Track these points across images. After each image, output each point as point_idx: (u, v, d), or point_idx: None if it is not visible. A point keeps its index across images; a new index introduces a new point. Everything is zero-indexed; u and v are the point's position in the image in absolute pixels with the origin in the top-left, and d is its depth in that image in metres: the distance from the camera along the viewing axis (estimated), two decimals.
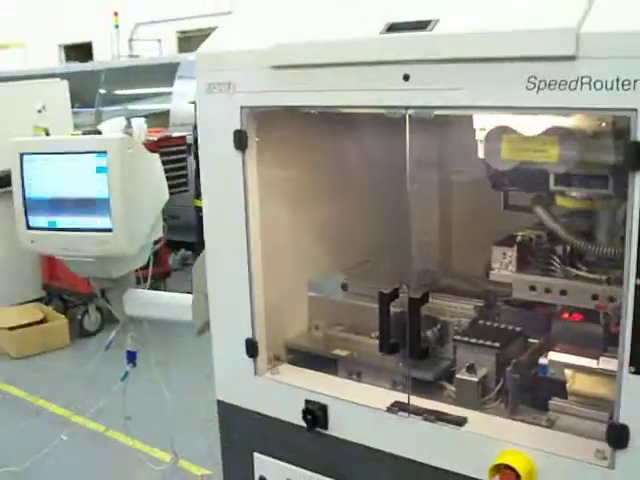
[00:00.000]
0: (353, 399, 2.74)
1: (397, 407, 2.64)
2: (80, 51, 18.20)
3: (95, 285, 3.52)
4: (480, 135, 2.52)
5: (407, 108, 2.38)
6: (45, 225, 3.28)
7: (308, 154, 3.09)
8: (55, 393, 6.03)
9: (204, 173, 2.95)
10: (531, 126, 2.36)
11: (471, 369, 2.84)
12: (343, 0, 2.70)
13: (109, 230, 3.17)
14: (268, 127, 2.85)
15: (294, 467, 2.96)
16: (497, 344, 2.84)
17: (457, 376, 2.83)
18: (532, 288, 2.86)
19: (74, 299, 7.79)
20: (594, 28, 2.02)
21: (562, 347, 2.70)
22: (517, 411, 2.71)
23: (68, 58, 19.22)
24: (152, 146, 6.85)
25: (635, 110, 1.97)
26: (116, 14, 16.92)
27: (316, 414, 2.78)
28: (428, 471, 2.58)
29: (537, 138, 2.35)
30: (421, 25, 2.30)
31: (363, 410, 2.70)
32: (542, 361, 2.71)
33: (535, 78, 2.09)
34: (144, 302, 3.48)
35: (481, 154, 2.56)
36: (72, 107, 8.84)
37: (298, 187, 3.14)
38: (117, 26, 16.68)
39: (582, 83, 2.03)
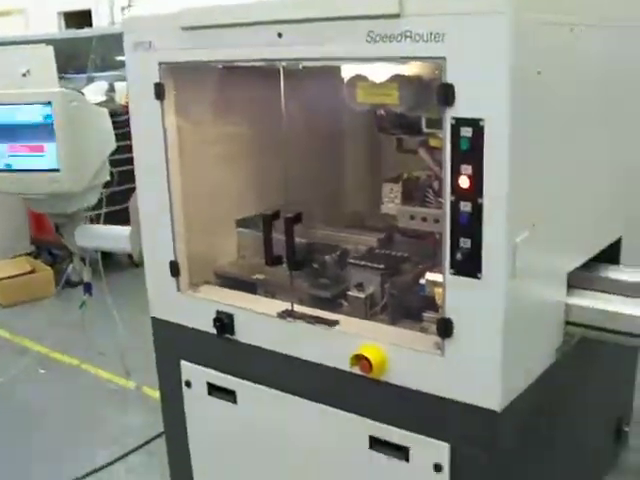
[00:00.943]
0: (254, 309, 3.25)
1: (285, 313, 3.14)
2: (80, 18, 18.58)
3: (51, 220, 4.04)
4: None
5: (281, 61, 2.87)
6: (2, 167, 3.80)
7: (225, 106, 3.56)
8: (39, 336, 6.50)
9: (133, 121, 3.44)
10: (379, 74, 2.84)
11: (360, 287, 3.34)
12: None
13: (57, 170, 3.68)
14: (187, 81, 3.32)
15: (212, 370, 3.48)
16: (382, 266, 3.34)
17: (349, 293, 3.34)
18: (412, 217, 3.34)
19: (62, 252, 8.24)
20: None
21: (440, 269, 3.16)
22: (396, 322, 3.21)
23: (68, 25, 19.63)
24: None
25: (444, 58, 2.44)
26: None
27: (224, 322, 3.29)
28: (309, 366, 3.09)
29: (383, 84, 2.84)
30: None
31: (260, 317, 3.21)
32: (421, 281, 3.16)
33: (373, 33, 2.57)
34: (92, 235, 4.00)
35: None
36: (66, 73, 9.26)
37: (221, 136, 3.62)
38: None
39: (405, 36, 2.50)
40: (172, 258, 3.42)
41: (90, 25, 17.95)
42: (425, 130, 3.07)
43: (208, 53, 3.06)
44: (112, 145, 3.94)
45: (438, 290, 2.99)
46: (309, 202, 3.60)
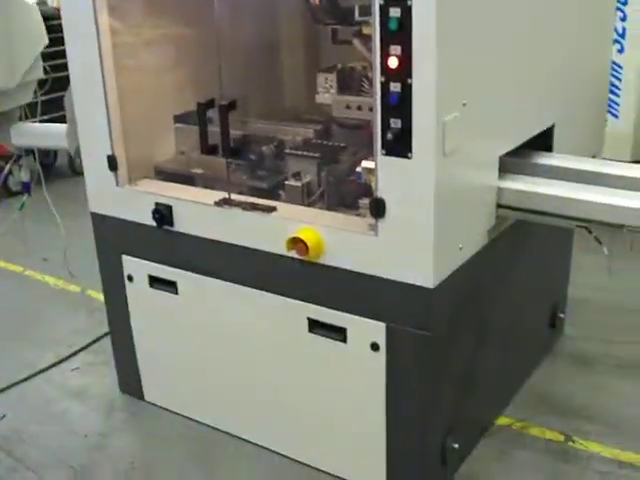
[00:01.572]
0: (191, 199, 3.28)
1: (222, 202, 3.18)
2: None
3: None
4: None
5: None
6: None
7: (160, 5, 3.52)
8: None
9: (65, 19, 3.39)
10: None
11: (297, 176, 3.38)
12: None
13: None
14: None
15: (153, 263, 3.52)
16: (318, 155, 3.38)
17: (286, 182, 3.38)
18: (348, 107, 3.37)
19: (1, 162, 8.11)
20: None
21: None
22: (334, 210, 3.25)
23: None
24: None
25: None
26: None
27: (163, 213, 3.32)
28: (247, 252, 3.16)
29: None
30: None
31: (198, 207, 3.25)
32: (357, 169, 3.20)
33: None
34: (28, 133, 3.97)
35: None
36: None
37: (157, 33, 3.59)
38: None
39: None
40: (109, 152, 3.43)
41: None
42: (358, 18, 3.08)
43: None
44: (44, 40, 3.90)
45: (373, 177, 3.07)
46: (246, 95, 3.62)
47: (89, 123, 3.49)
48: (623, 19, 6.31)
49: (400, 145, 2.59)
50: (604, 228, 3.12)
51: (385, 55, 2.52)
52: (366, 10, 2.97)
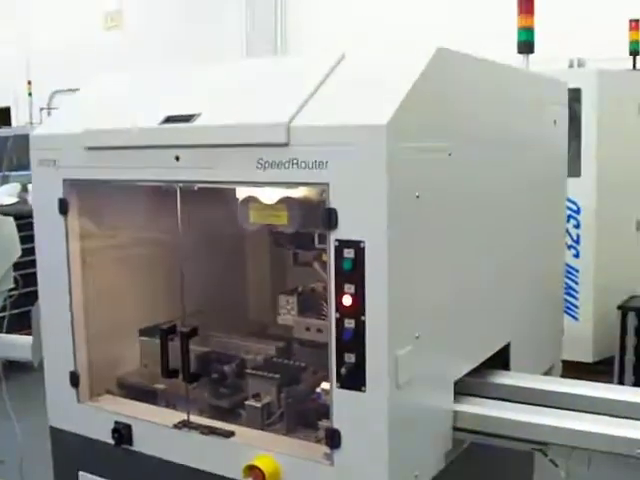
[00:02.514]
0: (151, 419, 3.31)
1: (181, 424, 3.21)
2: (1, 116, 18.59)
3: None
4: None
5: (178, 182, 3.02)
6: None
7: (127, 220, 3.67)
8: None
9: (37, 233, 3.53)
10: (270, 196, 3.01)
11: (257, 397, 3.43)
12: (138, 97, 3.33)
13: None
14: (90, 196, 3.44)
15: None
16: (277, 375, 3.44)
17: (246, 403, 3.42)
18: (307, 329, 3.48)
19: None
20: (300, 123, 2.68)
21: None
22: (294, 430, 3.30)
23: None
24: None
25: (327, 184, 2.62)
26: (29, 83, 17.51)
27: (122, 432, 3.33)
28: (206, 477, 3.14)
29: (273, 206, 3.01)
30: (187, 118, 2.94)
31: (158, 428, 3.27)
32: (317, 390, 3.27)
33: (262, 159, 2.74)
34: None
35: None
36: None
37: (124, 249, 3.73)
38: (30, 94, 17.22)
39: (292, 163, 2.68)
40: (72, 368, 3.47)
41: (9, 123, 17.98)
42: (317, 245, 3.23)
43: (110, 172, 3.19)
44: (17, 252, 4.01)
45: None
46: (211, 311, 3.72)
47: (54, 337, 3.55)
48: (577, 226, 6.59)
49: (354, 379, 2.67)
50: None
51: (339, 293, 2.64)
52: (325, 238, 3.15)
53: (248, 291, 4.34)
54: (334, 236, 2.63)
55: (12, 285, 4.02)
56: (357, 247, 2.59)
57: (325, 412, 3.09)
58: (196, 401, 3.44)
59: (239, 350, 3.79)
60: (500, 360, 3.61)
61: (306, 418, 3.33)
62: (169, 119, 3.01)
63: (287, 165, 2.69)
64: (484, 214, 3.31)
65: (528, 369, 3.71)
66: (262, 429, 3.30)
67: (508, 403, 3.32)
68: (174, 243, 3.38)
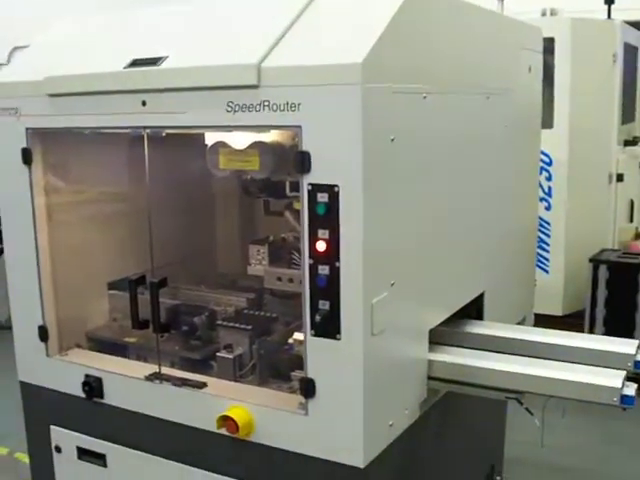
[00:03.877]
0: (122, 372, 3.25)
1: (153, 376, 3.15)
2: None
3: None
4: None
5: (145, 128, 2.93)
6: None
7: (92, 170, 3.58)
8: None
9: (1, 185, 3.42)
10: (240, 141, 2.93)
11: (229, 348, 3.38)
12: (101, 41, 3.22)
13: None
14: (54, 146, 3.34)
15: (82, 435, 3.44)
16: (249, 327, 3.39)
17: (217, 354, 3.36)
18: (279, 279, 3.41)
19: None
20: (271, 64, 2.59)
21: None
22: (266, 382, 3.26)
23: None
24: None
25: (300, 127, 2.54)
26: None
27: (92, 385, 3.28)
28: (177, 428, 3.10)
29: (244, 151, 2.93)
30: (153, 61, 2.85)
31: (129, 380, 3.21)
32: (290, 340, 3.23)
33: (232, 103, 2.65)
34: None
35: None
36: None
37: (90, 200, 3.64)
38: None
39: (264, 106, 2.59)
40: (40, 323, 3.40)
41: None
42: (289, 194, 3.16)
43: (74, 120, 3.09)
44: None
45: None
46: (179, 263, 3.65)
47: (20, 292, 3.47)
48: (549, 179, 6.57)
49: (329, 326, 2.62)
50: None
51: (313, 238, 2.58)
52: (296, 186, 3.07)
53: (217, 242, 4.28)
54: (307, 180, 2.56)
55: None
56: (331, 191, 2.52)
57: (298, 363, 3.07)
58: (167, 354, 3.39)
59: (209, 302, 3.73)
60: (474, 310, 3.58)
61: (278, 369, 3.29)
62: (135, 62, 2.91)
63: (258, 108, 2.61)
64: (457, 161, 3.25)
65: (501, 320, 3.69)
66: (234, 381, 3.25)
67: (483, 352, 3.30)
68: (142, 194, 3.30)
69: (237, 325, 3.40)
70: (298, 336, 3.09)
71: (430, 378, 3.18)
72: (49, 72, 3.13)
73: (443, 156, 3.08)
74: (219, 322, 3.48)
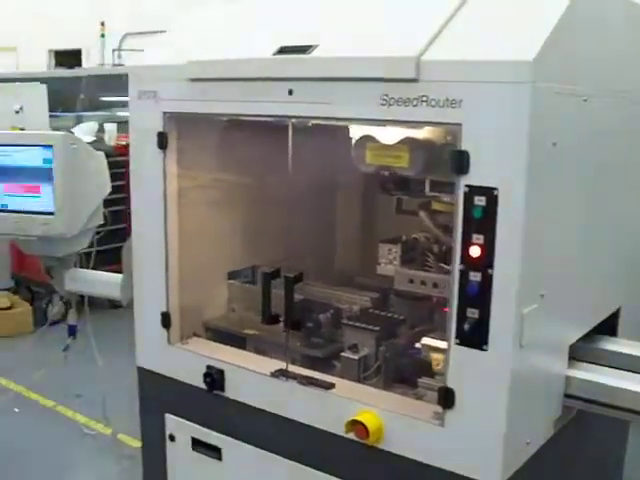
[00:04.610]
0: (246, 366, 3.17)
1: (279, 373, 3.07)
2: (70, 58, 18.59)
3: (43, 262, 3.95)
4: None
5: (290, 117, 2.84)
6: None
7: (226, 158, 3.52)
8: (15, 373, 6.35)
9: (133, 168, 3.39)
10: (389, 136, 2.81)
11: (354, 348, 3.28)
12: (246, 27, 3.14)
13: (52, 213, 3.60)
14: (189, 131, 3.28)
15: (197, 426, 3.38)
16: (377, 328, 3.28)
17: (342, 354, 3.27)
18: (411, 281, 3.29)
19: (40, 289, 8.15)
20: (432, 57, 2.47)
21: (438, 334, 3.03)
22: (390, 386, 3.15)
23: (57, 64, 19.62)
24: (121, 149, 7.25)
25: (460, 124, 2.42)
26: (103, 24, 17.43)
27: (214, 377, 3.21)
28: (301, 428, 3.01)
29: (393, 146, 2.81)
30: (303, 49, 2.75)
31: (253, 375, 3.13)
32: (417, 345, 3.10)
33: (387, 96, 2.54)
34: (81, 279, 3.92)
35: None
36: (55, 111, 9.22)
37: (219, 187, 3.58)
38: (103, 35, 17.12)
39: (422, 101, 2.47)
40: (164, 309, 3.35)
41: (79, 65, 17.96)
42: (428, 193, 3.04)
43: (215, 106, 3.03)
44: (107, 189, 3.88)
45: (435, 356, 2.96)
46: (303, 257, 3.56)
47: (145, 276, 3.42)
48: None
49: (476, 336, 2.49)
50: None
51: (466, 243, 2.45)
52: (438, 185, 2.96)
53: (337, 238, 4.16)
54: (464, 182, 2.43)
55: (101, 222, 3.89)
56: (490, 194, 2.39)
57: (425, 369, 2.98)
58: (288, 350, 3.30)
59: (331, 299, 3.63)
60: (607, 326, 3.40)
61: (403, 374, 3.19)
62: (283, 50, 2.82)
63: (415, 102, 2.49)
64: (608, 170, 3.08)
65: (635, 337, 3.50)
66: (358, 382, 3.15)
67: (621, 371, 3.12)
68: (272, 184, 3.22)
69: (364, 325, 3.30)
70: (428, 341, 3.00)
71: (566, 395, 3.01)
72: (191, 56, 3.07)
73: (598, 163, 2.92)
74: (345, 321, 3.38)
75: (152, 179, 3.28)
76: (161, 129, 3.20)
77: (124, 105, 10.86)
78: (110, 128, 8.36)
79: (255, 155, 3.48)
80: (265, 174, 3.46)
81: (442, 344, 2.85)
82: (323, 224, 4.10)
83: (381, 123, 2.67)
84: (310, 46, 2.74)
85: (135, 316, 3.51)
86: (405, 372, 3.19)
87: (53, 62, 20.10)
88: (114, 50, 16.90)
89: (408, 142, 2.78)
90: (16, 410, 5.53)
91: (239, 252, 3.73)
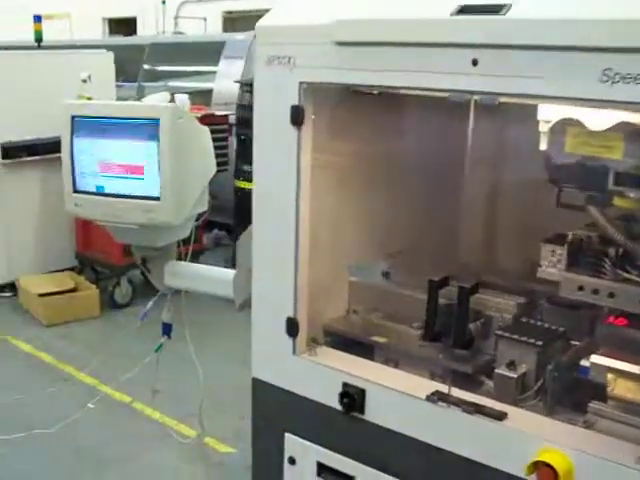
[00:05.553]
0: (392, 385, 2.71)
1: (437, 397, 2.60)
2: (123, 26, 18.23)
3: (137, 253, 3.50)
4: (544, 127, 2.45)
5: (473, 93, 2.34)
6: (93, 190, 3.26)
7: (364, 136, 3.05)
8: (83, 361, 5.98)
9: (257, 147, 2.92)
10: (598, 120, 2.30)
11: (511, 365, 2.80)
12: None
13: (157, 198, 3.15)
14: (325, 105, 2.82)
15: (325, 450, 2.93)
16: (540, 342, 2.81)
17: (497, 371, 2.80)
18: (580, 288, 2.80)
19: (106, 270, 7.78)
20: None
21: (605, 351, 2.65)
22: (554, 411, 2.68)
23: (111, 32, 19.27)
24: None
25: None
26: None
27: (354, 398, 2.75)
28: (464, 464, 2.54)
29: (603, 133, 2.30)
30: (494, 8, 2.25)
31: (402, 397, 2.67)
32: (584, 363, 2.65)
33: (610, 70, 2.04)
34: (185, 274, 3.46)
35: (543, 147, 2.51)
36: (117, 81, 8.85)
37: (349, 171, 3.11)
38: (164, 2, 16.60)
39: None
40: (290, 314, 2.89)
41: (134, 33, 17.56)
42: (612, 187, 2.54)
43: (369, 76, 2.55)
44: (213, 169, 3.42)
45: (612, 378, 2.54)
46: (414, 250, 3.21)
47: (269, 275, 2.96)
48: None
49: None
50: None
51: None
52: (626, 179, 2.47)
53: (460, 230, 3.67)
54: None
55: (205, 208, 3.43)
56: None
57: (594, 392, 2.58)
58: (427, 361, 2.90)
59: (477, 305, 3.13)
60: None
61: (568, 396, 2.71)
62: (465, 9, 2.32)
63: None
64: None
65: None
66: (513, 404, 2.68)
67: None
68: (416, 167, 2.74)
69: (525, 339, 2.82)
70: (600, 360, 2.59)
71: None
72: (338, 15, 2.58)
73: None
74: (499, 332, 2.90)
75: (281, 161, 2.81)
76: (296, 102, 2.73)
77: (188, 75, 10.51)
78: (182, 99, 7.89)
79: (410, 137, 2.99)
80: (418, 159, 2.97)
81: (618, 364, 2.52)
82: (449, 214, 3.60)
83: (599, 104, 2.15)
84: (502, 5, 2.24)
85: (252, 320, 3.06)
86: (569, 394, 2.72)
87: (107, 30, 19.75)
88: (175, 17, 16.44)
89: (624, 128, 2.26)
90: (90, 406, 5.13)
91: (360, 243, 3.28)
